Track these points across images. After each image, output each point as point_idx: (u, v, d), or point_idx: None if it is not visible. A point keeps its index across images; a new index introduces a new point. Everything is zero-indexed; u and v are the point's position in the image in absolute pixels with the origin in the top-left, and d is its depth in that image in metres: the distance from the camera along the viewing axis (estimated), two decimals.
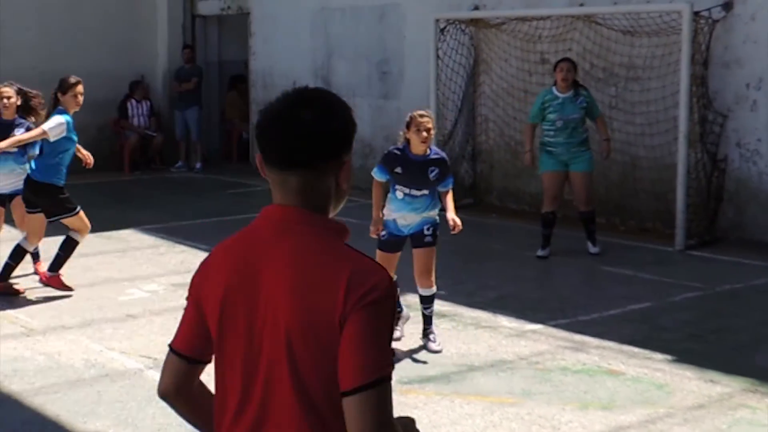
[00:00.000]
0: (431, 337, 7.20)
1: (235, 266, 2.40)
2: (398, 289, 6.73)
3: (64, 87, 8.42)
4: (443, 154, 7.15)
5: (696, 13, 10.36)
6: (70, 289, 8.76)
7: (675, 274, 9.26)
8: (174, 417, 5.80)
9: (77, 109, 8.50)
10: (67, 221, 8.68)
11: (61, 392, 6.29)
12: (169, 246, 10.65)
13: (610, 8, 11.27)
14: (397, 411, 6.17)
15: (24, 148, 9.16)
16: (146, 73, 17.51)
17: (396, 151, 6.99)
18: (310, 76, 15.62)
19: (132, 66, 17.11)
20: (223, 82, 18.16)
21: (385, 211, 7.10)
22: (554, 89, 9.90)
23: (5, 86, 9.29)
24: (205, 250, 10.47)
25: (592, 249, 10.09)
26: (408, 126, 6.90)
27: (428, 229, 7.03)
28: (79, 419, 5.83)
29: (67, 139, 8.44)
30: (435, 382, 6.42)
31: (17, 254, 8.73)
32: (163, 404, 6.32)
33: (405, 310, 7.39)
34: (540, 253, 9.97)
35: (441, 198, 7.16)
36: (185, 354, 2.52)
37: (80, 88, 8.44)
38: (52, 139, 8.35)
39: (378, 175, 7.05)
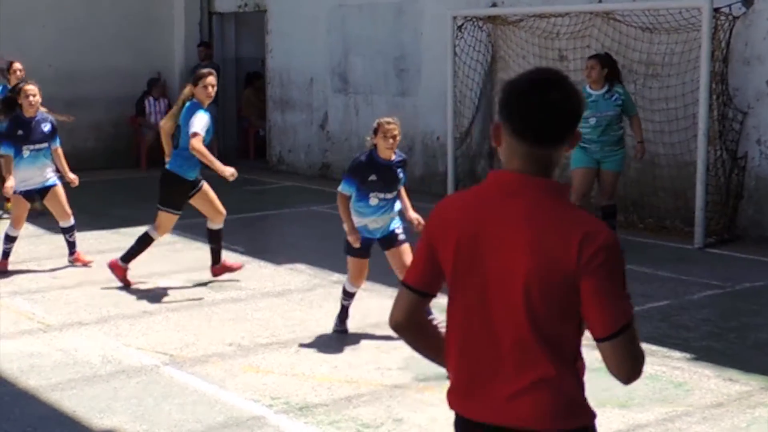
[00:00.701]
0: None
1: (467, 221, 2.77)
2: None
3: (196, 79, 8.48)
4: (404, 156, 7.40)
5: (716, 10, 10.28)
6: (128, 284, 8.83)
7: (694, 272, 9.19)
8: (191, 413, 5.81)
9: (209, 101, 8.47)
10: (160, 214, 8.78)
11: (78, 388, 6.29)
12: (185, 243, 10.64)
13: (629, 5, 11.18)
14: (414, 409, 6.13)
15: (49, 143, 9.23)
16: (163, 71, 17.53)
17: (364, 160, 7.14)
18: (327, 73, 15.60)
19: (149, 63, 17.14)
20: (239, 80, 18.16)
21: (353, 219, 7.20)
22: (587, 87, 9.87)
23: (30, 84, 9.33)
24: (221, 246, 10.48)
25: None
26: (375, 132, 7.11)
27: (399, 228, 7.27)
28: (96, 415, 5.83)
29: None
30: None
31: (213, 237, 8.96)
32: (180, 401, 6.31)
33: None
34: None
35: (398, 197, 7.37)
36: (416, 288, 2.89)
37: (211, 79, 8.42)
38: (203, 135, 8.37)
39: (346, 189, 7.12)
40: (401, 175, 7.21)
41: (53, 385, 6.35)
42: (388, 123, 7.09)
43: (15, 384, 6.39)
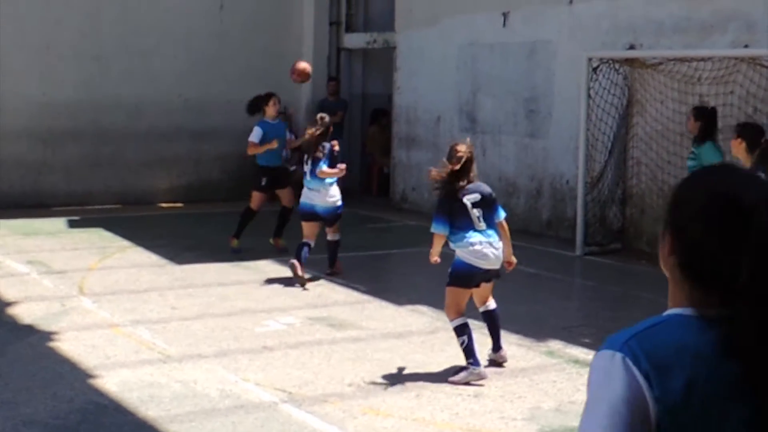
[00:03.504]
0: None
1: None
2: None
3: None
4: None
5: None
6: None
7: None
8: None
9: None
10: None
11: (197, 421, 6.17)
12: None
13: None
14: None
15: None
16: (290, 105, 17.58)
17: None
18: (455, 111, 15.41)
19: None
20: (365, 116, 18.12)
21: None
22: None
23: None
24: (342, 284, 10.34)
25: None
26: None
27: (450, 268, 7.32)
28: None
29: None
30: None
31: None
32: None
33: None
34: None
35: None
36: None
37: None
38: None
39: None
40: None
41: (172, 416, 6.24)
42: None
43: (135, 413, 6.30)
